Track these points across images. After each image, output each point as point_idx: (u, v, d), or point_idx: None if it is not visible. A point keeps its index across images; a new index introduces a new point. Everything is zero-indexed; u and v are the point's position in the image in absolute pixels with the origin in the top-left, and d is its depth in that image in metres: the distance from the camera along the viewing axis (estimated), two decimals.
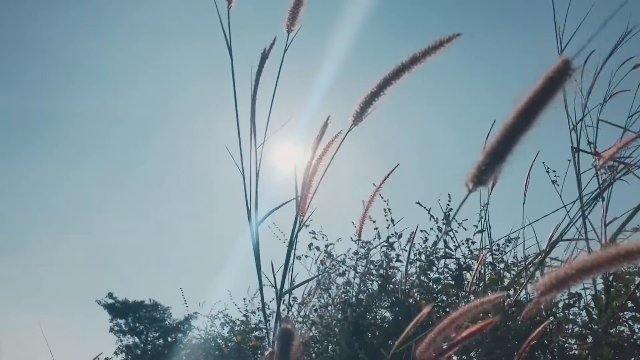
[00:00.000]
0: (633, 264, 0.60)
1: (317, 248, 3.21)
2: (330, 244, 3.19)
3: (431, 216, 2.72)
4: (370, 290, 2.80)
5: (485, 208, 2.45)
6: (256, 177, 1.23)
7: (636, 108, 1.83)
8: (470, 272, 2.39)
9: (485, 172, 0.59)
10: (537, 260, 1.97)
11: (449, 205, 2.67)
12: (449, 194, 2.69)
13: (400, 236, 2.81)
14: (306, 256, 3.23)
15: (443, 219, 2.71)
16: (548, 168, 1.86)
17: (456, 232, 2.67)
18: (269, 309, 3.98)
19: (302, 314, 3.20)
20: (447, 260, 2.54)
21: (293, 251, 1.24)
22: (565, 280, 0.62)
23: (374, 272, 2.81)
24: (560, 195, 1.80)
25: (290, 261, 1.23)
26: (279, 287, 1.22)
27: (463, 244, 2.61)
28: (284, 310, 3.42)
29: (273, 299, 3.70)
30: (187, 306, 4.76)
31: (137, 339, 19.87)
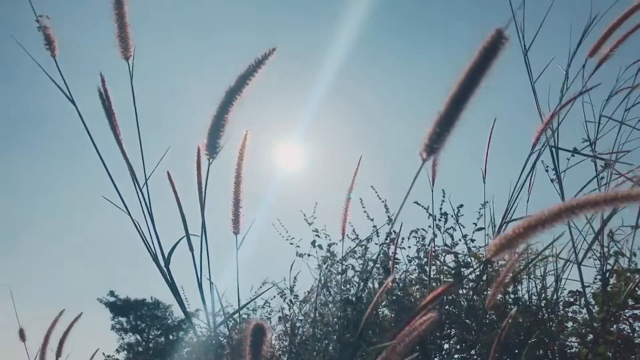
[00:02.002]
0: (579, 217, 0.63)
1: (320, 246, 3.22)
2: (333, 243, 3.20)
3: (429, 214, 2.73)
4: (369, 289, 2.81)
5: (485, 206, 2.46)
6: (150, 217, 1.12)
7: (634, 100, 1.84)
8: (470, 268, 2.39)
9: (436, 141, 0.64)
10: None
11: (443, 201, 2.69)
12: (443, 190, 2.71)
13: (398, 234, 2.82)
14: (309, 255, 3.25)
15: (440, 217, 2.72)
16: (547, 167, 1.87)
17: (454, 229, 2.69)
18: (269, 306, 3.99)
19: (303, 311, 3.21)
20: (446, 258, 2.55)
21: (209, 284, 1.14)
22: (514, 239, 0.64)
23: (375, 270, 2.82)
24: (561, 194, 1.80)
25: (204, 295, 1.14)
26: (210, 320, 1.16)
27: (461, 240, 2.62)
28: (283, 308, 3.44)
29: (275, 296, 3.70)
30: (188, 304, 4.77)
31: (138, 337, 19.92)
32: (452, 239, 2.71)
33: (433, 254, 2.55)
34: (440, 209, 2.78)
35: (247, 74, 0.91)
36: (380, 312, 2.72)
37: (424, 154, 0.64)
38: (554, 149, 1.76)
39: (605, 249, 1.87)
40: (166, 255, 1.13)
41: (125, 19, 1.07)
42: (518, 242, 0.64)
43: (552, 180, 1.78)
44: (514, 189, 1.68)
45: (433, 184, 1.84)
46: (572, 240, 1.72)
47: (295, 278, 3.28)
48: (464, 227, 2.65)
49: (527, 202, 1.77)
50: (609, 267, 1.89)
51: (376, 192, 2.82)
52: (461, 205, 2.65)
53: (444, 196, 2.72)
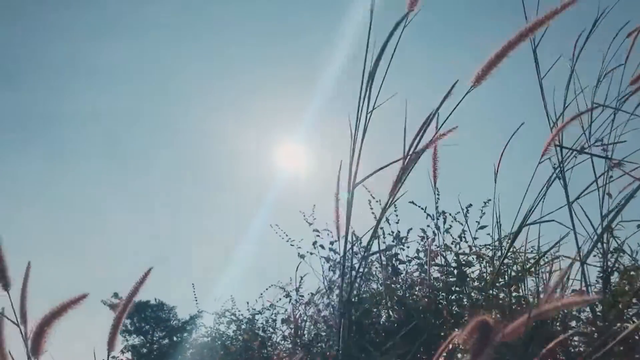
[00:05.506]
0: None
1: (322, 246, 3.21)
2: (335, 241, 3.20)
3: (428, 215, 2.72)
4: (372, 290, 2.81)
5: (487, 204, 2.46)
6: None
7: (625, 86, 1.84)
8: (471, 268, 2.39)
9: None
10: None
11: (438, 198, 2.68)
12: (437, 188, 2.70)
13: (398, 235, 2.81)
14: (311, 253, 3.24)
15: (440, 215, 2.72)
16: (554, 165, 1.86)
17: (451, 226, 2.68)
18: (274, 307, 3.99)
19: (308, 313, 3.21)
20: (448, 257, 2.55)
21: None
22: None
23: (377, 271, 2.81)
24: (567, 193, 1.80)
25: None
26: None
27: (461, 238, 2.62)
28: (285, 310, 3.43)
29: (281, 298, 3.69)
30: (197, 303, 4.74)
31: (143, 339, 19.95)
32: (452, 237, 2.71)
33: (433, 253, 2.55)
34: (437, 207, 2.76)
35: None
36: (383, 313, 2.72)
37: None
38: (558, 148, 1.76)
39: (606, 245, 1.87)
40: None
41: None
42: None
43: (558, 178, 1.78)
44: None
45: (435, 184, 1.86)
46: (576, 239, 1.71)
47: (302, 278, 3.28)
48: (462, 224, 2.65)
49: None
50: (609, 263, 1.88)
51: (369, 191, 2.80)
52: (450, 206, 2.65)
53: (438, 194, 2.71)
